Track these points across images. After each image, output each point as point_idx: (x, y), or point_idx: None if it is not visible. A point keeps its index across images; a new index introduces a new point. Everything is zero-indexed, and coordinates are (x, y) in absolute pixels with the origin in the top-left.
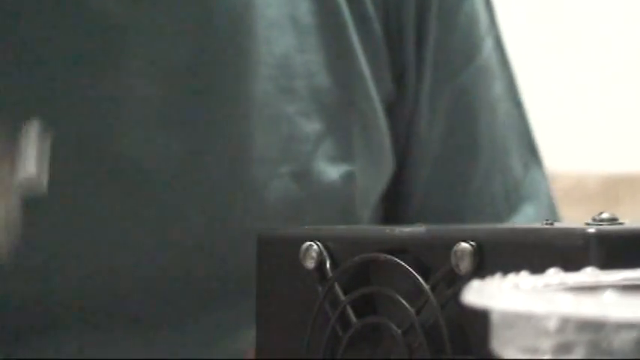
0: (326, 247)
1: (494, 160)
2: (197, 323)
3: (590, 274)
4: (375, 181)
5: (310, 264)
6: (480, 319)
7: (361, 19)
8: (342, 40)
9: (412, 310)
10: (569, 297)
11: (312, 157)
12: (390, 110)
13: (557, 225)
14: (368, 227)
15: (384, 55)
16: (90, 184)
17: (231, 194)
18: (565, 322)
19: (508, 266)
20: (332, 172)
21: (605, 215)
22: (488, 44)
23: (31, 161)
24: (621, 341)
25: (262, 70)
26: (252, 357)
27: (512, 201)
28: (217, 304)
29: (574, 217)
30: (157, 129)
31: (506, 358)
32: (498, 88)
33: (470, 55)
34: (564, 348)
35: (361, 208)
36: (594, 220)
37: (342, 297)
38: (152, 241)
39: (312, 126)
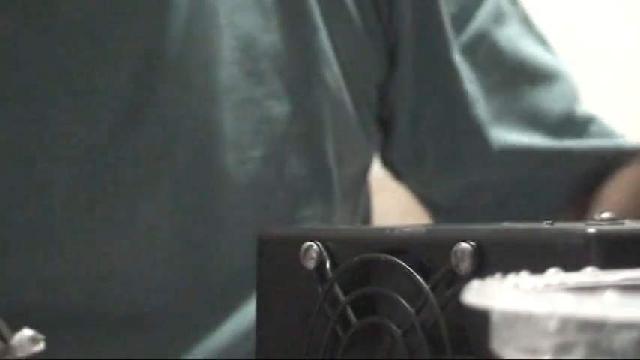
0: (326, 247)
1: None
2: (178, 318)
3: (590, 274)
4: (350, 160)
5: (310, 264)
6: (480, 319)
7: None
8: (302, 14)
9: (412, 310)
10: (570, 297)
11: (283, 140)
12: (390, 81)
13: (557, 225)
14: (368, 227)
15: (359, 27)
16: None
17: (202, 180)
18: (565, 322)
19: (508, 266)
20: (304, 154)
21: (605, 215)
22: None
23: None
24: (621, 341)
25: (227, 54)
26: None
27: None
28: (198, 297)
29: None
30: (124, 120)
31: (506, 358)
32: (515, 26)
33: (477, 0)
34: (564, 348)
35: (339, 189)
36: (594, 220)
37: (342, 297)
38: (127, 239)
39: (281, 108)
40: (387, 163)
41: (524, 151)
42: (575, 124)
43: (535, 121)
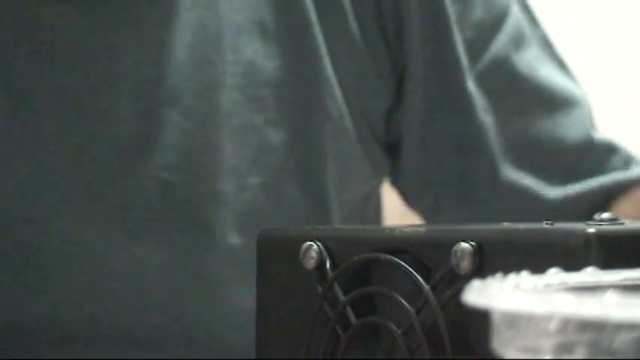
0: (326, 247)
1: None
2: (175, 340)
3: (590, 274)
4: (352, 186)
5: (310, 264)
6: (481, 319)
7: (331, 18)
8: (305, 41)
9: (412, 310)
10: (570, 297)
11: (281, 167)
12: (395, 110)
13: (557, 225)
14: (368, 227)
15: (364, 54)
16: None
17: (200, 205)
18: (566, 323)
19: (508, 266)
20: (303, 181)
21: (605, 215)
22: (514, 9)
23: None
24: (622, 341)
25: (229, 79)
26: None
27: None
28: (194, 321)
29: None
30: (125, 145)
31: (506, 358)
32: (534, 49)
33: (496, 23)
34: (565, 348)
35: (339, 215)
36: (594, 220)
37: (342, 297)
38: (126, 261)
39: (280, 135)
40: (396, 187)
41: (530, 189)
42: (594, 154)
43: (551, 150)
